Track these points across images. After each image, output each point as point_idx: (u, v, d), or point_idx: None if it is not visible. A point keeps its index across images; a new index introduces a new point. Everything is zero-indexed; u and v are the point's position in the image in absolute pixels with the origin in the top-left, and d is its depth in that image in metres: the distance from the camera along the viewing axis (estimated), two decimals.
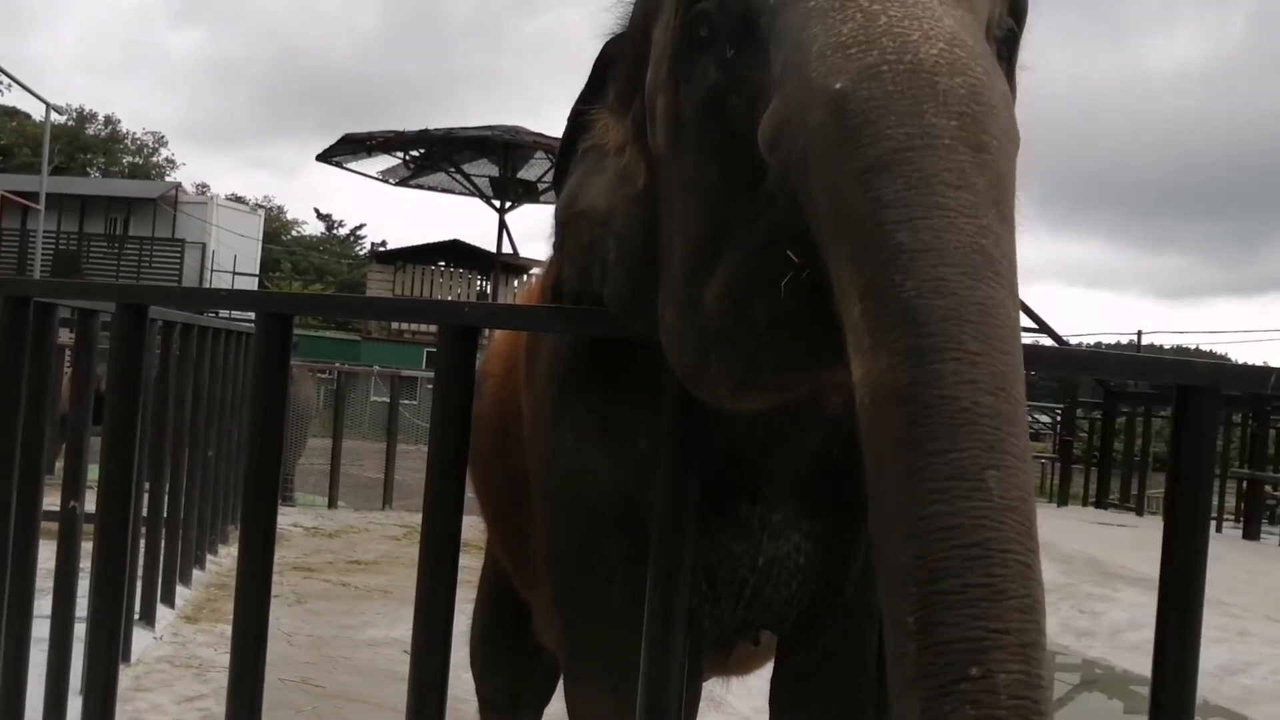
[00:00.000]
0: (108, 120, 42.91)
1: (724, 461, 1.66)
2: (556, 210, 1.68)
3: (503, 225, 22.37)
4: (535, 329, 1.92)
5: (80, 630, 2.60)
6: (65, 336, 5.41)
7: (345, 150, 21.61)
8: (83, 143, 40.49)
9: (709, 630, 1.80)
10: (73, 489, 3.17)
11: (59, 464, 3.87)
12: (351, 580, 6.90)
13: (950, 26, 1.05)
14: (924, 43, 1.03)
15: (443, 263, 26.49)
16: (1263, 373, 1.80)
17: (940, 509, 0.88)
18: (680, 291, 1.36)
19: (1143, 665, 1.60)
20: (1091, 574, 9.10)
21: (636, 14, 1.54)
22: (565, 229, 1.62)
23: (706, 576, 1.73)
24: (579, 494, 1.81)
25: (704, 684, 2.16)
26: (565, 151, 1.72)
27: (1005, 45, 1.32)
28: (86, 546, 2.48)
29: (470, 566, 2.81)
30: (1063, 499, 17.36)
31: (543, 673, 2.68)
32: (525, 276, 20.63)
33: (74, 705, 2.54)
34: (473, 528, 2.46)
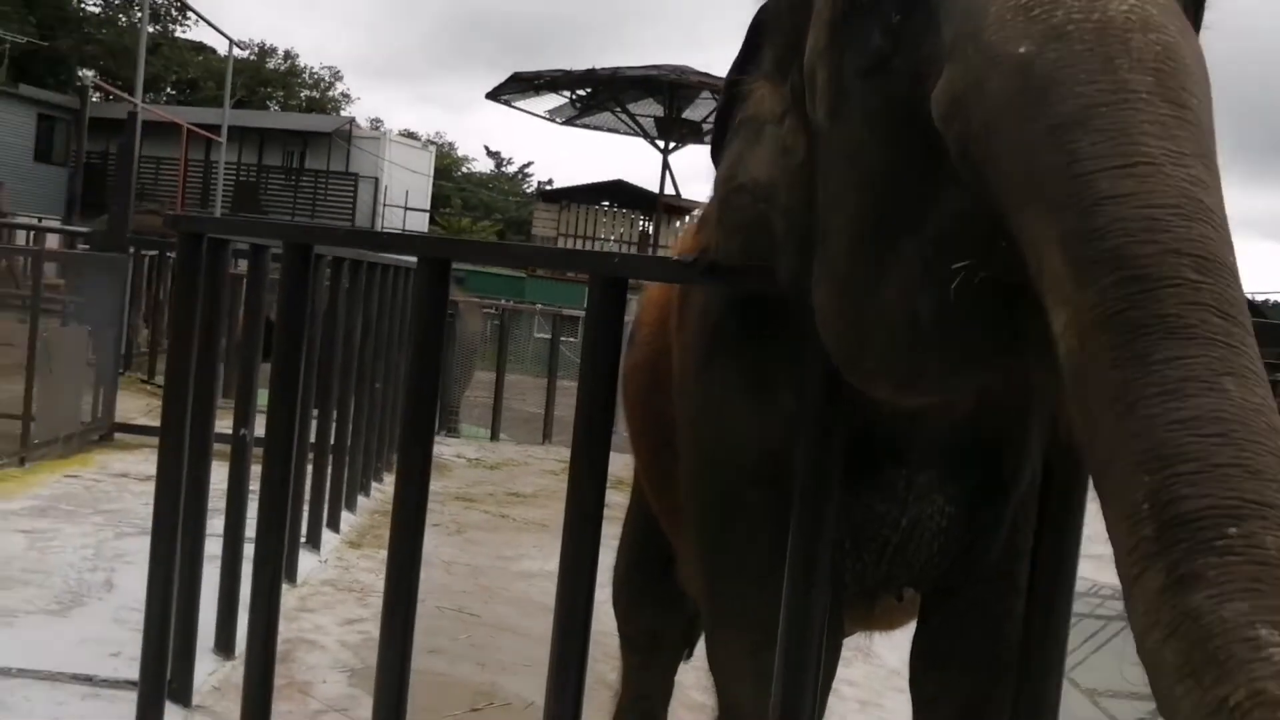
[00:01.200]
0: (286, 55, 44.29)
1: (870, 423, 1.64)
2: (716, 184, 1.65)
3: (666, 165, 22.40)
4: (683, 280, 1.91)
5: (249, 550, 2.72)
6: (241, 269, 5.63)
7: (514, 89, 21.89)
8: (263, 77, 41.87)
9: (850, 585, 1.80)
10: (244, 416, 3.32)
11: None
12: (510, 512, 7.06)
13: None
14: (1111, 0, 0.97)
15: (606, 202, 26.63)
16: None
17: (1173, 405, 0.82)
18: (839, 269, 1.33)
19: None
20: None
21: None
22: (725, 203, 1.59)
23: (850, 534, 1.73)
24: (724, 447, 1.80)
25: (850, 637, 2.16)
26: (721, 122, 1.69)
27: (1192, 2, 1.24)
28: (257, 471, 2.60)
29: (619, 503, 2.84)
30: None
31: (684, 616, 2.70)
32: (687, 218, 20.60)
33: (243, 620, 2.67)
34: (624, 465, 2.48)
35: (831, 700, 2.02)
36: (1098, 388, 0.87)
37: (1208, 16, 1.30)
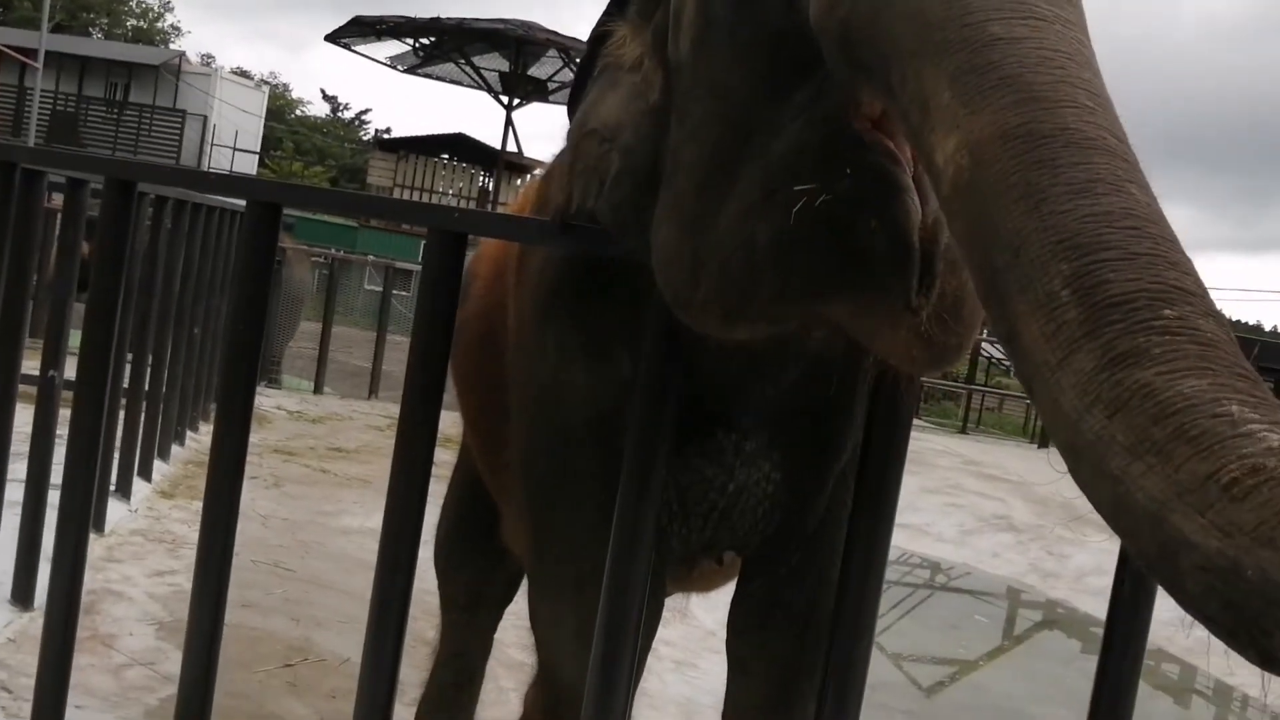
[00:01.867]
0: None
1: (702, 387, 1.67)
2: (569, 131, 1.64)
3: (509, 122, 22.18)
4: (524, 240, 1.90)
5: (54, 498, 2.60)
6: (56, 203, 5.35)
7: (355, 32, 21.32)
8: (85, 2, 39.71)
9: (676, 548, 1.82)
10: (53, 357, 3.17)
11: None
12: (331, 467, 6.94)
13: None
14: None
15: (446, 155, 26.24)
16: (1244, 342, 1.77)
17: (1084, 201, 0.81)
18: (685, 204, 1.34)
19: (1104, 609, 1.63)
20: (1064, 517, 9.21)
21: None
22: (577, 150, 1.58)
23: (678, 497, 1.75)
24: (557, 409, 1.80)
25: (668, 598, 2.19)
26: (583, 72, 1.67)
27: None
28: (65, 415, 2.48)
29: (446, 461, 2.82)
30: (1044, 440, 17.53)
31: (505, 575, 2.71)
32: (529, 175, 20.47)
33: (44, 571, 2.56)
34: (453, 423, 2.47)
35: (650, 660, 2.05)
36: (998, 193, 0.85)
37: None
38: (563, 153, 1.72)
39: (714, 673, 2.70)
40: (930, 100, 0.94)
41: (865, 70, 1.04)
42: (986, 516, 9.51)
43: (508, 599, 2.84)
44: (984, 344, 17.88)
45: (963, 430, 18.90)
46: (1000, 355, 21.82)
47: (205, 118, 27.32)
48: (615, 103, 1.53)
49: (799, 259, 1.19)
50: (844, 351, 1.66)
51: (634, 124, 1.49)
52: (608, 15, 1.63)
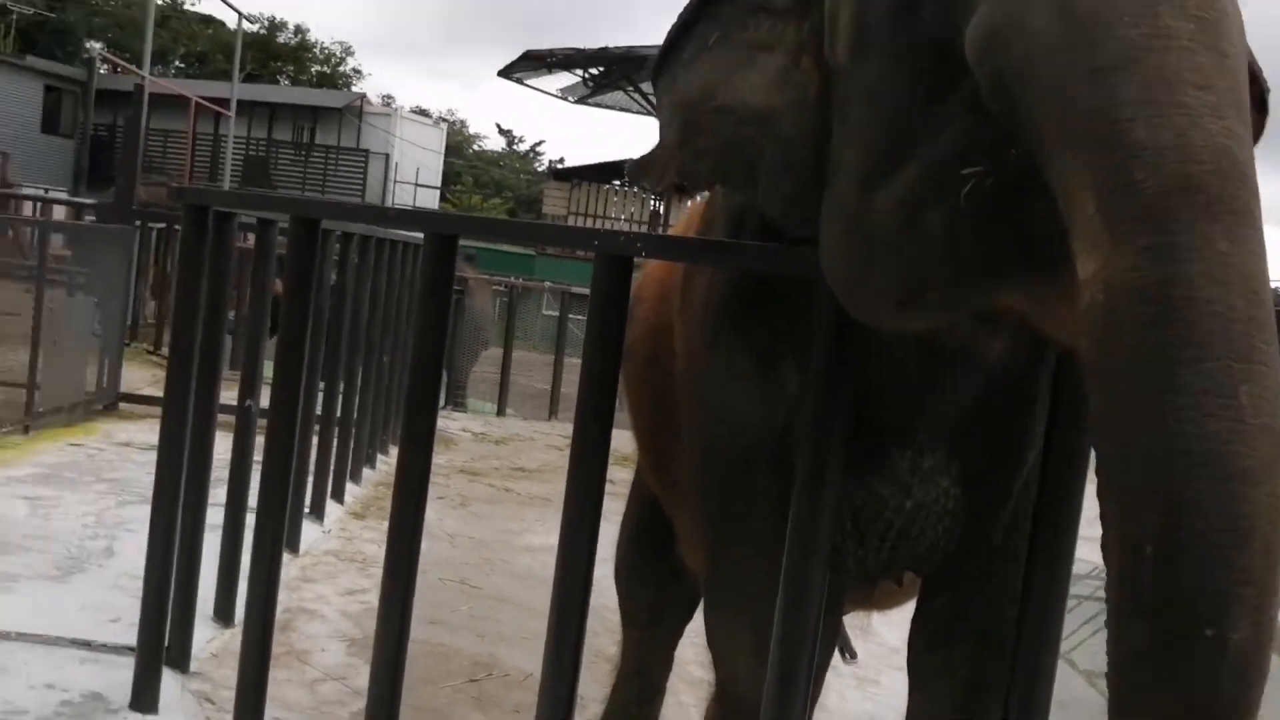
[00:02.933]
0: (297, 29, 44.12)
1: (875, 403, 1.64)
2: (679, 103, 1.59)
3: None
4: (693, 260, 1.91)
5: (253, 521, 2.74)
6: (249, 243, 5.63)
7: (526, 66, 21.82)
8: (273, 51, 41.73)
9: (852, 568, 1.79)
10: (249, 388, 3.33)
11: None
12: (515, 486, 7.07)
13: None
14: None
15: (618, 182, 26.57)
16: None
17: (1190, 430, 0.86)
18: (848, 204, 1.33)
19: None
20: None
21: None
22: (696, 125, 1.56)
23: (852, 517, 1.72)
24: (728, 427, 1.80)
25: (848, 615, 2.16)
26: (677, 38, 1.62)
27: None
28: (262, 443, 2.61)
29: (623, 479, 2.85)
30: None
31: (684, 592, 2.71)
32: (696, 198, 20.54)
33: (245, 590, 2.69)
34: (629, 441, 2.49)
35: (830, 677, 2.03)
36: (1122, 356, 0.91)
37: None
38: (668, 122, 1.64)
39: (897, 690, 2.64)
40: (1076, 200, 0.97)
41: (1020, 126, 1.05)
42: None
43: (688, 615, 2.83)
44: None
45: None
46: None
47: (387, 156, 28.32)
48: (757, 86, 1.50)
49: (972, 242, 1.18)
50: (1025, 358, 1.62)
51: (793, 117, 1.47)
52: None
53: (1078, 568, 1.73)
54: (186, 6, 37.60)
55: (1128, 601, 0.89)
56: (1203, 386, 0.87)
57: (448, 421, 8.97)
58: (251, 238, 4.83)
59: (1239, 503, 0.85)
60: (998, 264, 1.19)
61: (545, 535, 5.64)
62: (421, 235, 2.19)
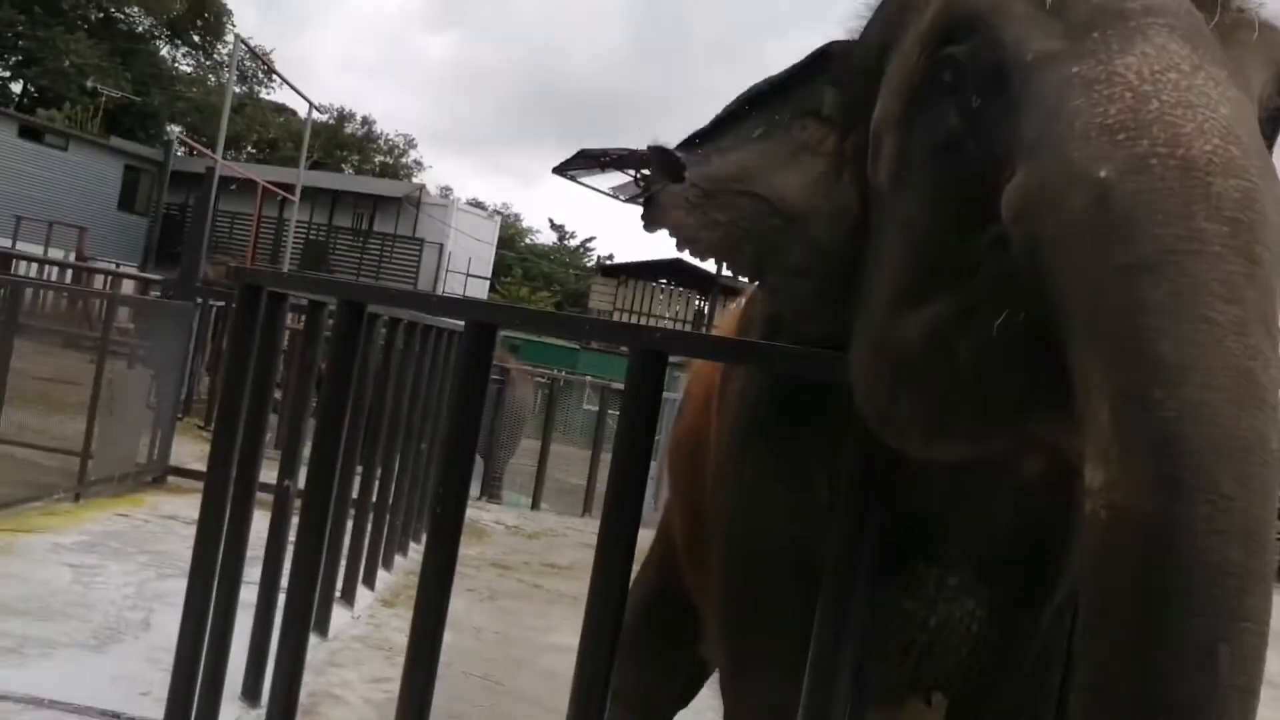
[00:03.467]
0: (364, 120, 45.36)
1: (904, 517, 1.63)
2: (709, 175, 1.55)
3: None
4: (725, 359, 1.93)
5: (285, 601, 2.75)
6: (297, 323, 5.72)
7: (580, 164, 22.20)
8: (340, 140, 42.92)
9: (876, 684, 1.76)
10: (289, 467, 3.37)
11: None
12: (544, 583, 7.04)
13: (1225, 117, 1.01)
14: (1197, 137, 0.99)
15: (664, 280, 26.81)
16: None
17: (1166, 688, 0.88)
18: (879, 327, 1.33)
19: None
20: None
21: (873, 34, 1.48)
22: (719, 199, 1.54)
23: (876, 630, 1.70)
24: (755, 533, 1.78)
25: None
26: (721, 121, 1.61)
27: (1269, 125, 1.24)
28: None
29: None
30: None
31: (681, 681, 2.66)
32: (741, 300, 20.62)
33: (273, 670, 2.69)
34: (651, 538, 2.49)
35: None
36: (1113, 589, 0.93)
37: None
38: (685, 189, 1.58)
39: None
40: (1091, 403, 0.97)
41: (1043, 292, 1.05)
42: None
43: (680, 704, 2.77)
44: None
45: None
46: None
47: (441, 245, 28.78)
48: (795, 183, 1.51)
49: (1002, 375, 1.17)
50: (1059, 482, 1.60)
51: (829, 225, 1.48)
52: (790, 80, 1.58)
53: None
54: (262, 95, 38.84)
55: None
56: (1183, 647, 0.88)
57: (481, 513, 8.98)
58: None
59: None
60: (1028, 398, 1.18)
61: (572, 634, 5.52)
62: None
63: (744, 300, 2.28)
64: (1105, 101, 1.03)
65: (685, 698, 2.75)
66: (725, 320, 2.70)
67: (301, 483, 2.85)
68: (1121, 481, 0.92)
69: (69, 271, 15.37)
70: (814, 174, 1.51)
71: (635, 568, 1.87)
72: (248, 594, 3.16)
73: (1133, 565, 0.91)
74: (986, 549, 1.64)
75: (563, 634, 5.67)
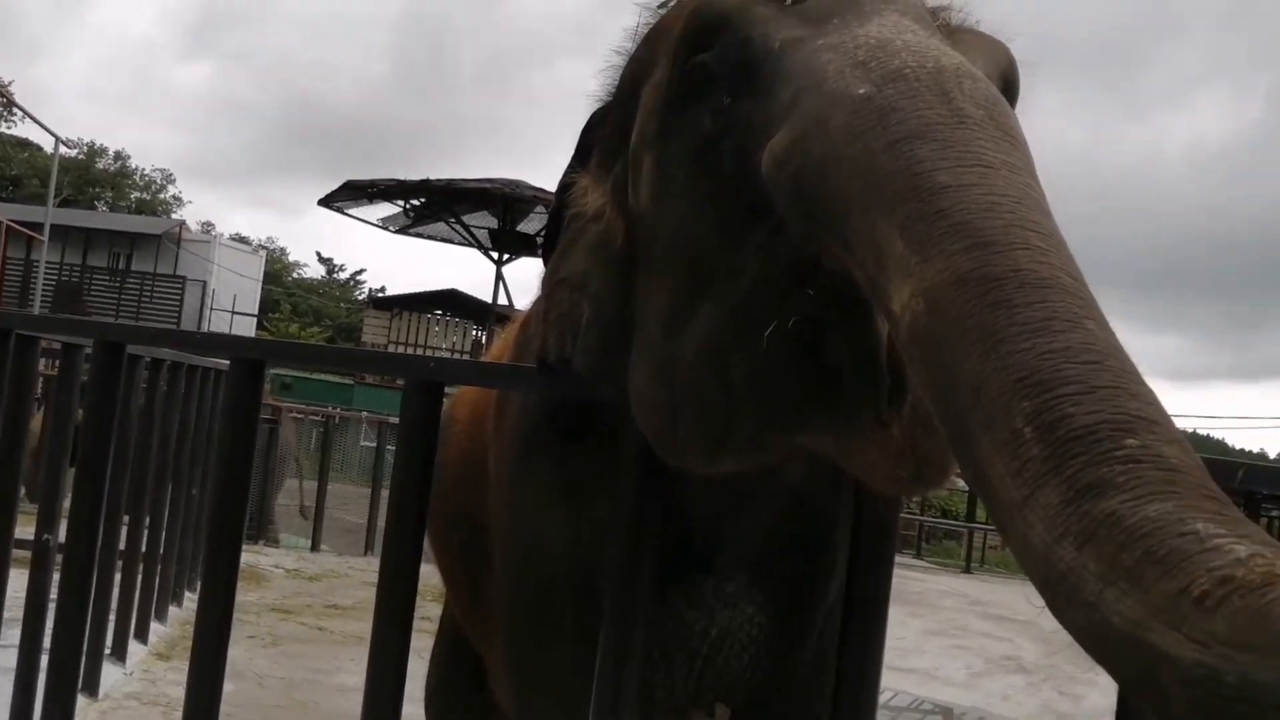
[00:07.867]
0: (117, 155, 43.30)
1: (680, 528, 1.65)
2: (543, 279, 1.66)
3: (500, 277, 22.49)
4: (501, 387, 1.94)
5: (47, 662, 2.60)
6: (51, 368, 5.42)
7: (347, 196, 21.77)
8: (92, 176, 40.78)
9: (660, 699, 1.77)
10: (47, 520, 3.19)
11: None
12: (328, 625, 6.87)
13: (961, 57, 1.11)
14: (944, 56, 1.08)
15: (439, 311, 26.57)
16: (1229, 466, 1.61)
17: (1042, 340, 0.83)
18: (655, 351, 1.36)
19: None
20: (1074, 655, 9.05)
21: (625, 78, 1.54)
22: (549, 299, 1.60)
23: (659, 644, 1.71)
24: (537, 555, 1.78)
25: None
26: (553, 224, 1.71)
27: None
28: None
29: (434, 615, 2.82)
30: None
31: None
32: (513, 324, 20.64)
33: None
34: (437, 574, 2.47)
35: None
36: (956, 336, 0.88)
37: None
38: (537, 301, 1.73)
39: None
40: (884, 250, 0.97)
41: (818, 223, 1.08)
42: (995, 658, 9.33)
43: None
44: None
45: (966, 570, 18.63)
46: None
47: (204, 283, 27.74)
48: (582, 251, 1.55)
49: (775, 387, 1.21)
50: (824, 484, 1.67)
51: (600, 272, 1.51)
52: (573, 166, 1.67)
53: (898, 699, 1.75)
54: (1, 130, 36.47)
55: (1016, 488, 0.80)
56: (1047, 315, 0.84)
57: (259, 558, 8.68)
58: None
59: (1118, 376, 0.81)
60: (801, 406, 1.21)
61: (359, 675, 5.43)
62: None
63: (516, 323, 2.29)
64: (853, 50, 1.11)
65: None
66: (497, 345, 2.71)
67: (62, 536, 2.71)
68: (931, 269, 0.91)
69: None
70: (592, 236, 1.55)
71: (419, 601, 1.85)
72: (7, 658, 2.99)
73: (967, 303, 0.87)
74: (758, 554, 1.68)
75: (350, 675, 5.56)
